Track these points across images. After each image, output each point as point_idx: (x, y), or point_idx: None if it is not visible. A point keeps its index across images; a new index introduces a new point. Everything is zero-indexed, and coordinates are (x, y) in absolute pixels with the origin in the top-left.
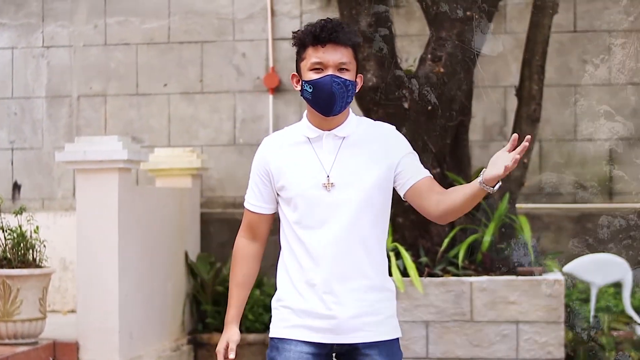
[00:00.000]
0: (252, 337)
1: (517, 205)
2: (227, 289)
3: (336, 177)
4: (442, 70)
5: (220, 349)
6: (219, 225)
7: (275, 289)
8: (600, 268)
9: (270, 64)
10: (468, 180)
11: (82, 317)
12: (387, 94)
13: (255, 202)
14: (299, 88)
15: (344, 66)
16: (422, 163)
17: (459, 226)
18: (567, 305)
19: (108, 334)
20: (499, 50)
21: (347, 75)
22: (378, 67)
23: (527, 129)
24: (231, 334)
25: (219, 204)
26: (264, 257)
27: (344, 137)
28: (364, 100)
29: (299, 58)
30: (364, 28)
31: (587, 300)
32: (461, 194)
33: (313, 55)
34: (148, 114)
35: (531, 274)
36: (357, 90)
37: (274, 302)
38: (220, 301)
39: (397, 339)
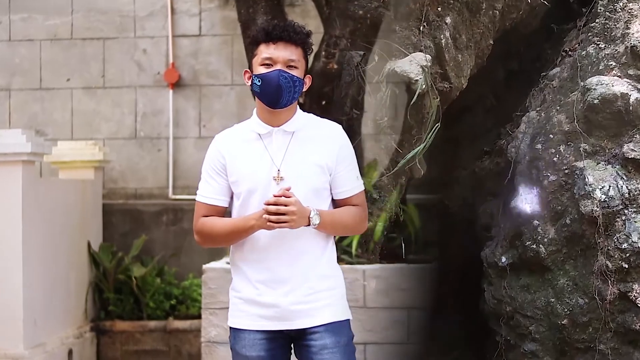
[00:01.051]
0: (153, 324)
1: (408, 196)
2: (128, 277)
3: (286, 170)
4: (335, 66)
5: (270, 202)
6: (120, 215)
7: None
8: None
9: (170, 60)
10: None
11: None
12: None
13: (212, 194)
14: (249, 83)
15: (292, 63)
16: None
17: None
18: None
19: (12, 323)
20: (386, 48)
21: (295, 72)
22: None
23: (415, 123)
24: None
25: (120, 196)
26: (163, 248)
27: (293, 132)
28: None
29: (252, 55)
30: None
31: None
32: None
33: (264, 51)
34: (51, 108)
35: (421, 262)
36: (304, 89)
37: (230, 291)
38: (122, 289)
39: (347, 320)
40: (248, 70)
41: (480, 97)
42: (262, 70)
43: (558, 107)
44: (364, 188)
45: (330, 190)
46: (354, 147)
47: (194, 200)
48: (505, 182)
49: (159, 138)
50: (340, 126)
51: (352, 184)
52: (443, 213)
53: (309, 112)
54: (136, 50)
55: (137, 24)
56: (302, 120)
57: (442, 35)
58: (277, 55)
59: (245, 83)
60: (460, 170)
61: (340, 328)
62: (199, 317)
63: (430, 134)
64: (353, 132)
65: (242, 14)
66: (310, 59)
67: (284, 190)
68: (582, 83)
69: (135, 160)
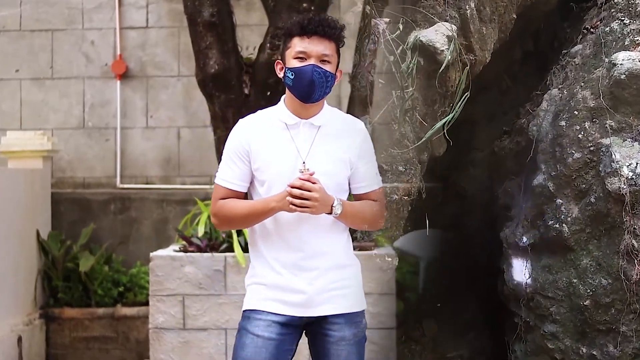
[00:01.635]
0: (101, 311)
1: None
2: (77, 265)
3: (311, 163)
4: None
5: (295, 185)
6: (69, 204)
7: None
8: (428, 243)
9: (118, 52)
10: None
11: None
12: (229, 81)
13: (232, 179)
14: (281, 75)
15: (326, 58)
16: None
17: None
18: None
19: None
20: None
21: (328, 67)
22: (220, 55)
23: (359, 113)
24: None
25: (69, 185)
26: (111, 236)
27: (320, 127)
28: (207, 86)
29: (285, 47)
30: (207, 18)
31: (416, 273)
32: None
33: (298, 45)
34: (0, 98)
35: (365, 249)
36: (335, 83)
37: (247, 280)
38: (71, 277)
39: (363, 310)
40: (280, 61)
41: (496, 78)
42: (296, 64)
43: (582, 84)
44: (382, 185)
45: (349, 185)
46: None
47: (142, 189)
48: (527, 160)
49: (107, 128)
50: (362, 122)
51: (371, 179)
52: (459, 196)
53: (254, 103)
54: (84, 42)
55: (85, 16)
56: (328, 115)
57: (467, 6)
58: (312, 49)
59: (277, 74)
60: (476, 153)
61: (358, 318)
62: (146, 304)
63: (460, 103)
64: None
65: (189, 7)
66: (255, 51)
67: (309, 175)
68: (606, 59)
69: (83, 150)
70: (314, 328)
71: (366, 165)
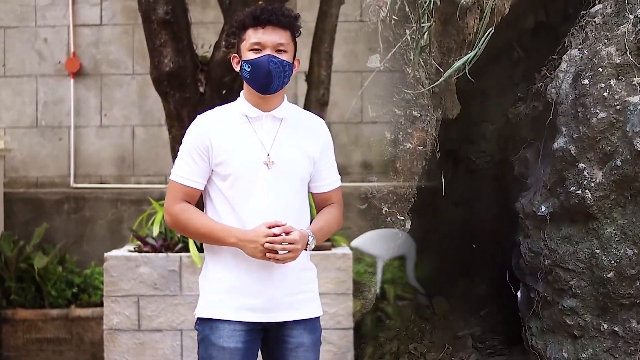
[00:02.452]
0: (55, 312)
1: None
2: (30, 265)
3: (276, 155)
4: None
5: (263, 235)
6: (22, 204)
7: (201, 268)
8: (385, 242)
9: (72, 49)
10: None
11: None
12: (184, 79)
13: (190, 176)
14: (238, 68)
15: (281, 47)
16: None
17: None
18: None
19: None
20: None
21: (285, 57)
22: (175, 53)
23: (316, 112)
24: (258, 227)
25: (22, 184)
26: (65, 236)
27: (282, 119)
28: (162, 84)
29: (240, 39)
30: (161, 16)
31: (374, 273)
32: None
33: (252, 36)
34: None
35: (321, 248)
36: (293, 72)
37: (204, 281)
38: (24, 277)
39: (319, 316)
40: (236, 55)
41: (507, 47)
42: (252, 55)
43: (605, 41)
44: (340, 184)
45: (309, 183)
46: None
47: (96, 188)
48: (546, 123)
49: (60, 127)
50: (323, 121)
51: (332, 178)
52: (469, 170)
53: (209, 102)
54: (37, 39)
55: (38, 13)
56: (289, 108)
57: None
58: (266, 39)
59: (234, 68)
60: (487, 125)
61: (316, 324)
62: (101, 305)
63: (484, 39)
64: None
65: (143, 4)
66: (211, 49)
67: (284, 227)
68: (631, 15)
69: (36, 149)
70: (272, 333)
71: (328, 163)
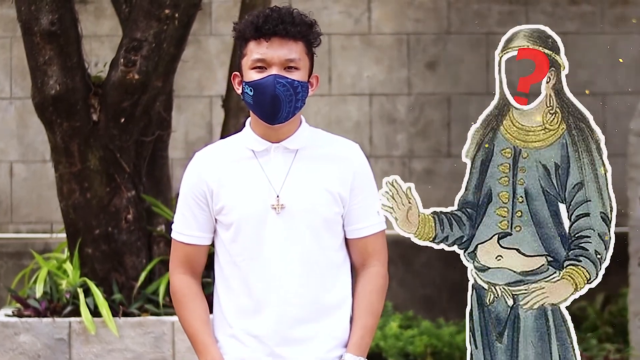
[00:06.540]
0: None
1: None
2: None
3: (287, 197)
4: (136, 77)
5: None
6: None
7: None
8: None
9: None
10: (167, 204)
11: None
12: (74, 105)
13: (190, 231)
14: (240, 91)
15: (292, 64)
16: (114, 184)
17: (158, 258)
18: None
19: None
20: (203, 55)
21: (296, 75)
22: (63, 73)
23: None
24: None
25: None
26: None
27: (297, 150)
28: (46, 111)
29: (241, 54)
30: (45, 27)
31: None
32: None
33: (255, 51)
34: None
35: None
36: (310, 93)
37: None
38: None
39: None
40: (237, 73)
41: None
42: (254, 75)
43: None
44: (385, 227)
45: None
46: (159, 174)
47: None
48: None
49: None
50: (357, 145)
51: (369, 221)
52: None
53: (104, 132)
54: None
55: None
56: (308, 135)
57: None
58: (272, 55)
59: (236, 90)
60: None
61: None
62: None
63: None
64: (158, 156)
65: (23, 12)
66: (106, 68)
67: None
68: None
69: None
70: None
71: (362, 201)
